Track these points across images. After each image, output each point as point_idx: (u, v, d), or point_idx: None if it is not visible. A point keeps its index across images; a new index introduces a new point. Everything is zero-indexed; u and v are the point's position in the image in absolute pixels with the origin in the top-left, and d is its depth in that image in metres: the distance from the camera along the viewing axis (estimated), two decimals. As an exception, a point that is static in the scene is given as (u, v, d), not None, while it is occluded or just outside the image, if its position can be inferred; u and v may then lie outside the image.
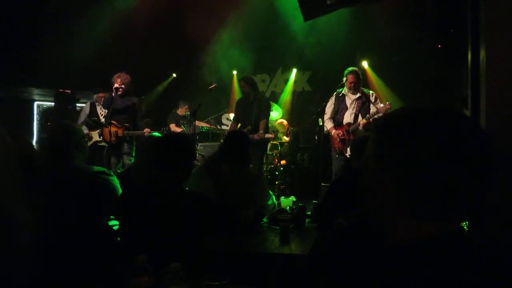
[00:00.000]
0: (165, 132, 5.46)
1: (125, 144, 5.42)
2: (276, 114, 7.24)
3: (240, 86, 5.81)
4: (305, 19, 4.28)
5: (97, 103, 6.18)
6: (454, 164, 0.78)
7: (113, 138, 5.38)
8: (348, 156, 5.18)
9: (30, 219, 0.93)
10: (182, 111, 7.31)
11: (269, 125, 6.04)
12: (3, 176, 0.91)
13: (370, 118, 5.06)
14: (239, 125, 5.74)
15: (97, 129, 5.73)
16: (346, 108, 5.35)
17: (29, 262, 0.91)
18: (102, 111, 6.03)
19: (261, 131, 5.48)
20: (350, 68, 5.39)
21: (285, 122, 7.20)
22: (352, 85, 5.25)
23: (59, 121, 4.86)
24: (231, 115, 7.80)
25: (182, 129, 6.90)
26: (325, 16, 4.63)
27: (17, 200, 0.92)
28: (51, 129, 2.57)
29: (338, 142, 5.30)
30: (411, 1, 6.62)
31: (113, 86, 5.36)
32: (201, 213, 2.06)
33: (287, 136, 6.94)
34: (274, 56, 8.01)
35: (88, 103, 6.32)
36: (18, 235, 0.91)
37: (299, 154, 6.92)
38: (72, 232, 2.03)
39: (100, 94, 6.18)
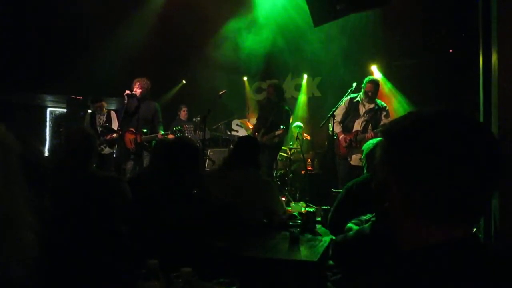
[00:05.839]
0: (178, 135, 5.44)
1: (145, 152, 5.44)
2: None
3: (268, 92, 5.85)
4: (315, 25, 4.28)
5: (96, 112, 6.12)
6: (457, 165, 0.78)
7: (133, 145, 5.41)
8: (351, 163, 5.17)
9: (32, 221, 0.92)
10: (183, 115, 7.32)
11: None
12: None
13: (379, 132, 5.02)
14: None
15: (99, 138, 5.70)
16: (359, 116, 5.30)
17: (34, 262, 0.90)
18: (100, 119, 6.05)
19: (270, 134, 5.49)
20: (371, 77, 5.36)
21: (301, 125, 7.16)
22: (369, 94, 5.21)
23: (73, 127, 4.88)
24: (242, 121, 7.83)
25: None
26: (335, 21, 4.63)
27: (17, 200, 0.91)
28: (68, 134, 2.58)
29: (344, 147, 5.27)
30: (420, 6, 6.58)
31: (132, 90, 5.36)
32: (208, 217, 2.06)
33: (297, 140, 6.90)
34: (284, 61, 8.01)
35: (88, 113, 6.29)
36: (17, 235, 0.90)
37: (309, 160, 6.89)
38: (85, 236, 2.04)
39: (97, 104, 6.09)
